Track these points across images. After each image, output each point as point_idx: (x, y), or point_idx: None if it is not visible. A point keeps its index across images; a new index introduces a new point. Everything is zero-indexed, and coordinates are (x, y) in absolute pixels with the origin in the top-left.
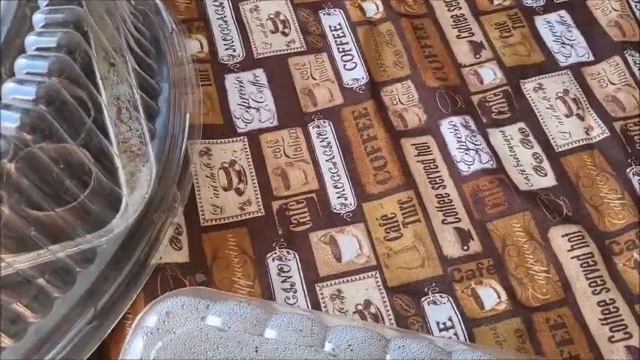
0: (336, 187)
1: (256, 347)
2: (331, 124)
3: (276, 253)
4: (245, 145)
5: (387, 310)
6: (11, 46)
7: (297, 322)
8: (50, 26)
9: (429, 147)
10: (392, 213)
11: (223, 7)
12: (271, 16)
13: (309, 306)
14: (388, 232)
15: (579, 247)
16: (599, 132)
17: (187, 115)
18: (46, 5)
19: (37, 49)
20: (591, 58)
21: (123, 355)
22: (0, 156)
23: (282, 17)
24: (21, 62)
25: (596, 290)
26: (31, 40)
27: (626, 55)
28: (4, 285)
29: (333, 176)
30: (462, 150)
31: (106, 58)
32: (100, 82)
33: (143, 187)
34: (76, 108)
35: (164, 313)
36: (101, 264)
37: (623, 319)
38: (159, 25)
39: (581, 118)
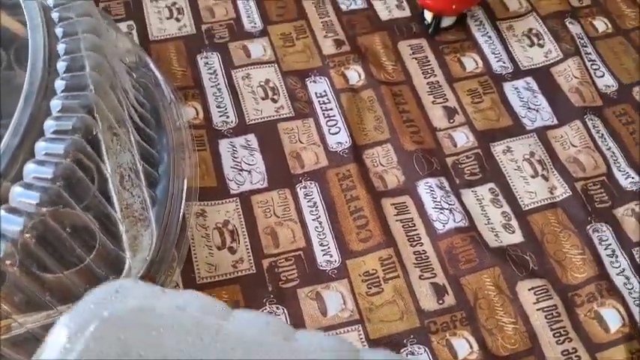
0: (321, 244)
1: (217, 330)
2: (317, 185)
3: (266, 308)
4: (237, 205)
5: None
6: (32, 130)
7: (264, 316)
8: (66, 111)
9: (407, 206)
10: (373, 269)
11: (217, 75)
12: (262, 83)
13: None
14: (370, 288)
15: (544, 300)
16: (562, 191)
17: (185, 180)
18: (62, 92)
19: (55, 132)
20: (555, 122)
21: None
22: (23, 230)
23: (271, 84)
24: (40, 145)
25: (559, 340)
26: (49, 124)
27: (586, 119)
28: (14, 343)
29: (319, 234)
30: (437, 209)
31: (110, 129)
32: (104, 152)
33: (145, 250)
34: (86, 182)
35: (114, 289)
36: None
37: None
38: (158, 96)
39: (546, 179)
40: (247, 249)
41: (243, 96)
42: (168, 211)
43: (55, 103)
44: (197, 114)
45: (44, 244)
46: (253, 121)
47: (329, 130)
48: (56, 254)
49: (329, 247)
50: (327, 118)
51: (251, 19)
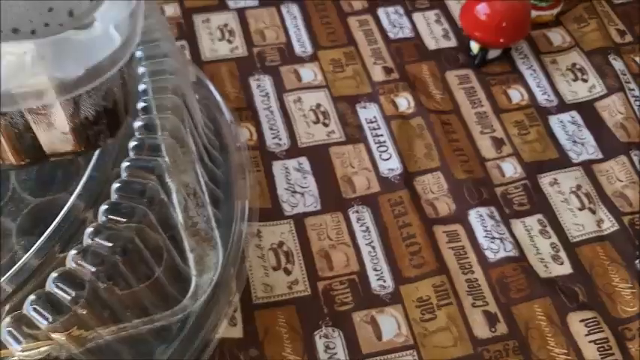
0: (375, 269)
1: None
2: (369, 210)
3: (322, 330)
4: (292, 227)
5: None
6: (101, 195)
7: None
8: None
9: (458, 234)
10: (427, 296)
11: (269, 98)
12: (313, 107)
13: None
14: (424, 314)
15: (595, 332)
16: (609, 225)
17: (247, 202)
18: (134, 154)
19: (121, 196)
20: (600, 156)
21: None
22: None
23: (322, 109)
24: (104, 208)
25: None
26: (116, 187)
27: (632, 154)
28: (90, 350)
29: (373, 259)
30: (488, 238)
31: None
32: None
33: (211, 271)
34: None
35: None
36: (176, 341)
37: None
38: (219, 117)
39: (593, 212)
40: (302, 271)
41: (295, 119)
42: (232, 232)
43: (125, 165)
44: (250, 135)
45: (129, 261)
46: (305, 145)
47: (380, 155)
48: (134, 271)
49: (382, 272)
50: (378, 144)
51: (301, 44)
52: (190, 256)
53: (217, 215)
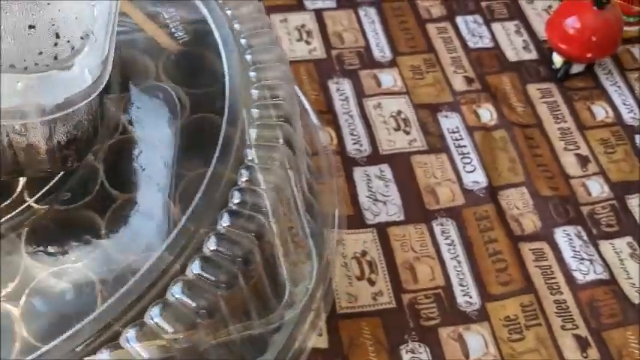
0: (461, 285)
1: None
2: (454, 223)
3: (408, 345)
4: (375, 236)
5: None
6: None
7: None
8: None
9: (544, 253)
10: (514, 315)
11: (349, 102)
12: (393, 114)
13: None
14: (511, 333)
15: None
16: None
17: (337, 210)
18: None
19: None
20: None
21: None
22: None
23: (403, 116)
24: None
25: None
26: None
27: None
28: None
29: (459, 274)
30: (576, 259)
31: None
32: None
33: (306, 279)
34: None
35: None
36: (274, 350)
37: None
38: (307, 119)
39: None
40: (386, 282)
41: (375, 125)
42: (323, 239)
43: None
44: (331, 139)
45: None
46: (387, 152)
47: (464, 167)
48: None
49: (468, 288)
50: (461, 155)
51: (380, 49)
52: (285, 264)
53: (311, 222)
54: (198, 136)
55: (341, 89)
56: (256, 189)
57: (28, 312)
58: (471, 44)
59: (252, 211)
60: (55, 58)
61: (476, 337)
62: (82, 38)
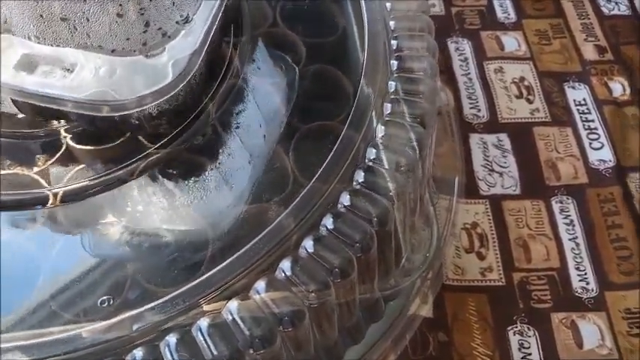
0: (578, 269)
1: None
2: (575, 202)
3: (517, 327)
4: (487, 208)
5: None
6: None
7: None
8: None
9: None
10: (636, 307)
11: (468, 64)
12: (515, 80)
13: None
14: (631, 327)
15: None
16: None
17: (456, 178)
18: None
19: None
20: None
21: None
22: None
23: (526, 83)
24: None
25: None
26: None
27: None
28: None
29: (576, 257)
30: None
31: None
32: None
33: (424, 247)
34: None
35: None
36: (389, 317)
37: None
38: None
39: None
40: (497, 258)
41: (495, 91)
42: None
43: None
44: (447, 101)
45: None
46: (506, 120)
47: (590, 144)
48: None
49: (586, 273)
50: (588, 130)
51: (504, 9)
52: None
53: (432, 187)
54: (316, 87)
55: (460, 49)
56: (391, 145)
57: None
58: (605, 10)
59: (389, 169)
60: (144, 44)
61: (591, 327)
62: (177, 23)
